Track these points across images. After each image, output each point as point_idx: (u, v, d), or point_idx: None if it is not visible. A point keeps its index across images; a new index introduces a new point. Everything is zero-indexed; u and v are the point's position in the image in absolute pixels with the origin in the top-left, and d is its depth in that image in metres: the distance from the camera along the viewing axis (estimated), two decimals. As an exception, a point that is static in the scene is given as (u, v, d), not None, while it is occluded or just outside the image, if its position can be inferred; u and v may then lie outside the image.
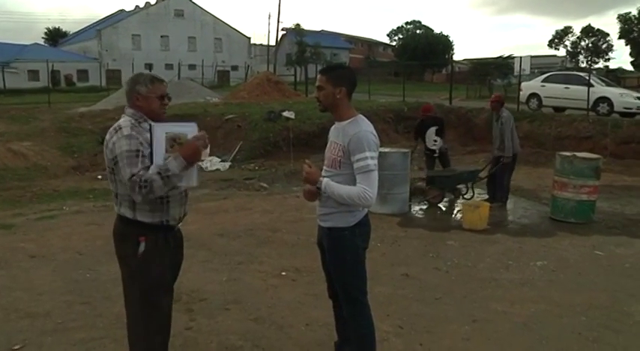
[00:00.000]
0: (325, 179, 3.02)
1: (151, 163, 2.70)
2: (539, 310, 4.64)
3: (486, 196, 9.17)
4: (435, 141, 9.65)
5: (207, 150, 2.84)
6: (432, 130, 9.64)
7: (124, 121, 2.79)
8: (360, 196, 2.90)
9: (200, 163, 2.89)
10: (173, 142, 2.76)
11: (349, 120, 3.05)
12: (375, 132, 3.05)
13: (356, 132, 2.96)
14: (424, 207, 9.03)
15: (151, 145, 2.73)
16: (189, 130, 2.83)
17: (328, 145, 3.18)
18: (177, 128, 2.81)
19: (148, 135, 2.76)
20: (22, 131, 15.38)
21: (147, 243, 2.79)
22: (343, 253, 3.12)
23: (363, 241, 3.18)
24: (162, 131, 2.76)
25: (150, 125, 2.78)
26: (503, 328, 4.28)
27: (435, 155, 9.74)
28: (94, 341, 3.98)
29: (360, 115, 3.11)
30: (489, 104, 9.31)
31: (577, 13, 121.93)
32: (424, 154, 9.94)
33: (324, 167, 3.17)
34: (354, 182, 2.95)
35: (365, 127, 3.01)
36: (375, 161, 2.95)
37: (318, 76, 3.13)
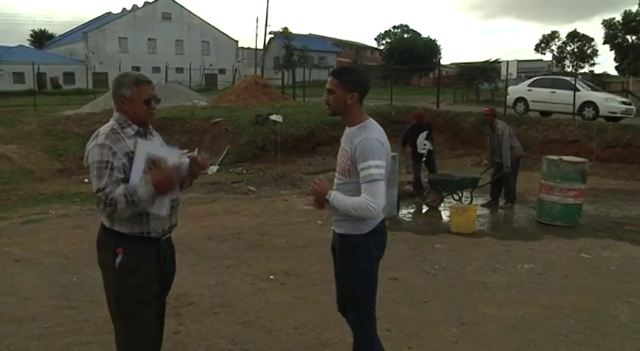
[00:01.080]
0: (333, 192, 2.90)
1: (124, 176, 2.59)
2: (526, 312, 4.66)
3: (483, 200, 9.38)
4: (425, 145, 9.71)
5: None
6: (423, 135, 9.71)
7: (106, 126, 2.68)
8: (362, 207, 2.77)
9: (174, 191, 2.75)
10: (152, 164, 2.63)
11: (358, 125, 2.91)
12: (383, 138, 2.89)
13: (361, 139, 2.82)
14: (412, 210, 9.08)
15: (131, 160, 2.61)
16: (171, 155, 2.71)
17: (339, 151, 3.05)
18: (160, 151, 2.70)
19: (128, 142, 2.64)
20: (7, 134, 15.23)
21: (124, 255, 2.67)
22: (355, 261, 2.98)
23: (378, 250, 3.05)
24: (144, 150, 2.64)
25: (136, 140, 2.66)
26: (492, 330, 4.30)
27: (423, 159, 9.79)
28: (81, 346, 3.95)
29: (370, 120, 2.96)
30: (484, 117, 9.44)
31: (564, 18, 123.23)
32: (411, 158, 9.98)
33: (336, 174, 3.04)
34: None
35: (371, 134, 2.85)
36: (381, 170, 2.80)
37: (330, 78, 2.95)
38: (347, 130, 3.00)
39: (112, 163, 2.55)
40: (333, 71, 3.03)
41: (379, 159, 2.81)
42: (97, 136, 2.64)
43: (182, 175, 2.72)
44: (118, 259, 2.67)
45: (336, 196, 2.88)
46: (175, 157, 2.73)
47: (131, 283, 2.69)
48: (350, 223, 2.94)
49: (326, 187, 2.95)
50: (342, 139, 3.04)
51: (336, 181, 3.03)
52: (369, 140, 2.82)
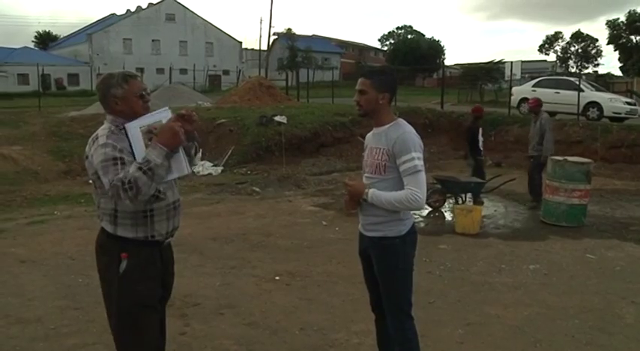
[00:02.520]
0: (371, 190, 2.92)
1: None
2: (532, 313, 4.66)
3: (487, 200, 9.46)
4: (482, 142, 9.65)
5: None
6: (480, 131, 9.63)
7: (102, 129, 2.59)
8: (410, 198, 2.81)
9: (186, 148, 2.62)
10: (151, 134, 2.53)
11: (390, 124, 2.97)
12: (417, 134, 2.98)
13: (400, 134, 2.89)
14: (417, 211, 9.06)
15: (130, 146, 2.52)
16: (163, 116, 2.58)
17: (368, 152, 3.07)
18: (150, 118, 2.59)
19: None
20: (12, 135, 15.26)
21: (129, 260, 2.57)
22: (396, 261, 3.00)
23: (413, 249, 3.09)
24: (136, 127, 2.55)
25: (123, 126, 2.57)
26: (497, 331, 4.29)
27: (480, 157, 9.64)
28: (87, 347, 3.96)
29: (401, 119, 3.02)
30: (530, 107, 9.50)
31: (568, 19, 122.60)
32: (473, 160, 9.67)
33: (366, 175, 3.05)
34: (400, 186, 2.87)
35: (408, 129, 2.94)
36: (422, 162, 2.87)
37: (361, 79, 2.99)
38: (375, 130, 3.05)
39: (120, 158, 2.46)
40: (365, 72, 3.06)
41: (420, 151, 2.88)
42: (96, 138, 2.55)
43: (181, 125, 2.54)
44: (123, 265, 2.57)
45: (374, 193, 2.91)
46: (168, 114, 2.61)
47: (137, 290, 2.60)
48: (387, 226, 2.98)
49: (361, 185, 2.99)
50: (370, 140, 3.08)
51: (366, 181, 3.04)
52: (408, 133, 2.90)
